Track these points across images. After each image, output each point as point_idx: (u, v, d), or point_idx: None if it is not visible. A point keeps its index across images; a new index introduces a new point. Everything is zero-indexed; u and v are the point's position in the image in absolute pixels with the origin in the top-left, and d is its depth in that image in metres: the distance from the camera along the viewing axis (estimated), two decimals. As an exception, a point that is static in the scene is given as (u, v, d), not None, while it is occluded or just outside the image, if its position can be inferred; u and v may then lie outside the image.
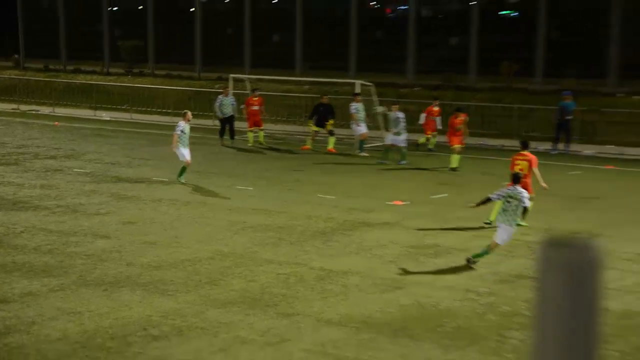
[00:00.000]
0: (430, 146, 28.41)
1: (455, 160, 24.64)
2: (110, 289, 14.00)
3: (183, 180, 22.55)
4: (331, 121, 28.75)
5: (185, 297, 13.65)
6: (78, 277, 14.65)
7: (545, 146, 28.21)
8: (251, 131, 29.69)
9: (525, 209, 15.92)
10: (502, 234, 15.38)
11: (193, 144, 23.62)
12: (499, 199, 15.69)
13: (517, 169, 17.69)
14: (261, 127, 29.83)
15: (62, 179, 23.39)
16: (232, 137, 29.50)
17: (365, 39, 41.65)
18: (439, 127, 28.10)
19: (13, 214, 19.30)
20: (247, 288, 14.08)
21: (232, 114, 29.51)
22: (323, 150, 28.26)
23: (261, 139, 29.69)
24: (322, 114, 28.81)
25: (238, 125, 30.09)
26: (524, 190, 15.70)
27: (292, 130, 32.70)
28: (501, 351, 11.51)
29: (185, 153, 22.63)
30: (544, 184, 18.09)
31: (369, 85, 30.57)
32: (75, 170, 24.82)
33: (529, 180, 17.51)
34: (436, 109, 28.06)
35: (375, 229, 17.98)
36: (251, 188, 22.23)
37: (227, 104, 29.62)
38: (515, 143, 29.17)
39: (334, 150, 28.22)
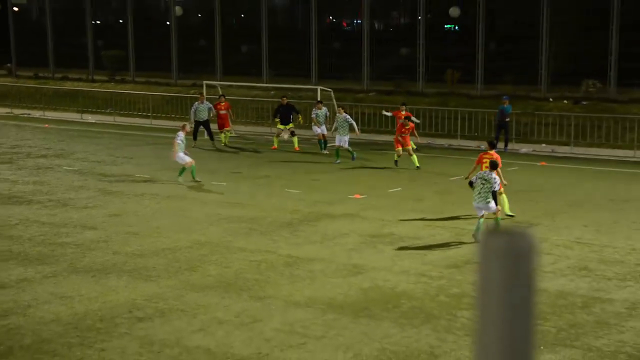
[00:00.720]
0: (413, 146, 27.88)
1: (413, 159, 24.39)
2: (99, 276, 13.81)
3: (197, 178, 22.00)
4: (299, 117, 28.62)
5: (167, 282, 13.50)
6: (69, 265, 14.43)
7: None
8: (222, 132, 29.46)
9: (494, 194, 16.21)
10: (491, 206, 16.05)
11: (170, 144, 23.23)
12: (476, 180, 16.22)
13: (484, 166, 17.76)
14: (227, 128, 29.57)
15: (52, 176, 23.03)
16: (211, 138, 28.99)
17: (324, 50, 41.47)
18: (417, 121, 27.92)
19: (8, 207, 18.96)
20: (223, 274, 13.97)
21: (206, 118, 29.14)
22: (289, 150, 28.10)
23: (225, 139, 29.36)
24: (283, 113, 28.73)
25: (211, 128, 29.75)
26: (496, 176, 16.23)
27: (260, 131, 32.49)
28: (452, 329, 11.52)
29: (184, 157, 22.05)
30: (504, 181, 18.12)
31: (328, 91, 30.48)
32: (64, 168, 24.45)
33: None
34: (403, 113, 27.76)
35: (337, 220, 17.91)
36: (224, 183, 22.05)
37: (202, 109, 29.27)
38: (460, 142, 29.50)
39: (298, 149, 28.12)
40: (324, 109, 28.16)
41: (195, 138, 29.02)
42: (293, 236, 16.50)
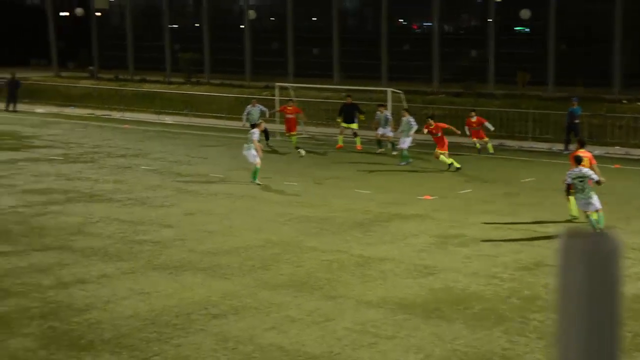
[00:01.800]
0: (490, 150, 27.30)
1: (443, 161, 23.94)
2: (175, 273, 13.96)
3: (258, 182, 21.75)
4: (362, 117, 28.58)
5: (240, 280, 13.57)
6: (146, 262, 14.63)
7: (559, 147, 27.78)
8: (291, 135, 29.33)
9: (598, 182, 16.08)
10: (595, 203, 15.94)
11: (242, 144, 23.28)
12: (572, 181, 16.04)
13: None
14: (293, 132, 29.43)
15: (131, 175, 23.42)
16: (267, 138, 28.96)
17: (394, 52, 41.33)
18: (491, 128, 27.41)
19: (90, 205, 19.36)
20: (295, 273, 13.96)
21: (260, 121, 29.01)
22: (355, 150, 28.04)
23: (293, 142, 29.29)
24: (347, 112, 28.74)
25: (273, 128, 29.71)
26: (587, 169, 16.08)
27: (331, 132, 32.39)
28: (524, 331, 11.27)
29: (255, 157, 21.83)
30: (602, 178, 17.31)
31: (398, 93, 30.26)
32: (142, 167, 24.85)
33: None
34: (474, 119, 27.26)
35: (408, 220, 17.73)
36: (296, 184, 22.05)
37: (254, 113, 29.54)
38: (531, 144, 28.95)
39: (360, 148, 28.09)
40: (386, 112, 27.93)
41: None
42: (364, 236, 16.41)
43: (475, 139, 27.04)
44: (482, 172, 23.83)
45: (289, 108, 29.76)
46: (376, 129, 28.01)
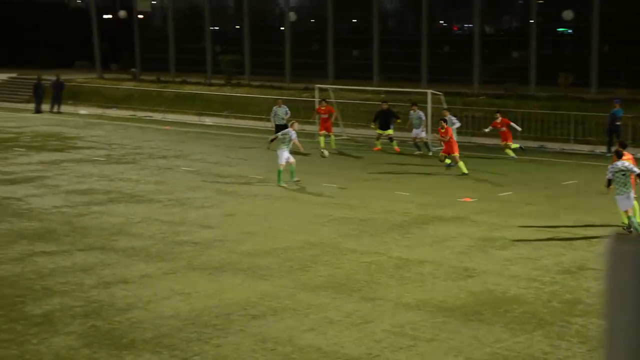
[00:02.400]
0: (510, 155, 26.88)
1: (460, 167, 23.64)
2: (215, 273, 14.05)
3: (283, 184, 21.72)
4: (398, 120, 28.50)
5: (279, 281, 13.60)
6: (187, 262, 14.74)
7: (601, 149, 27.42)
8: (321, 135, 29.20)
9: (638, 175, 16.06)
10: (626, 202, 15.97)
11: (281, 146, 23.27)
12: (613, 176, 16.03)
13: None
14: (329, 133, 29.33)
15: (172, 176, 23.62)
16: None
17: (434, 53, 41.09)
18: (518, 128, 27.09)
19: (132, 206, 19.57)
20: (334, 274, 13.96)
21: (285, 122, 29.02)
22: (393, 152, 27.97)
23: (332, 144, 29.13)
24: (382, 119, 28.68)
25: (309, 129, 29.67)
26: (629, 163, 16.09)
27: (370, 134, 32.31)
28: (565, 335, 11.12)
29: (286, 157, 22.06)
30: None
31: (438, 95, 30.09)
32: (183, 168, 25.05)
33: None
34: (498, 120, 26.96)
35: (447, 222, 17.63)
36: (335, 185, 22.04)
37: (280, 113, 29.82)
38: (573, 146, 28.60)
39: (399, 150, 28.00)
40: (419, 111, 27.92)
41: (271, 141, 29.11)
42: (403, 238, 16.35)
43: (503, 143, 26.55)
44: (522, 175, 23.60)
45: (322, 108, 29.78)
46: (410, 129, 27.99)
